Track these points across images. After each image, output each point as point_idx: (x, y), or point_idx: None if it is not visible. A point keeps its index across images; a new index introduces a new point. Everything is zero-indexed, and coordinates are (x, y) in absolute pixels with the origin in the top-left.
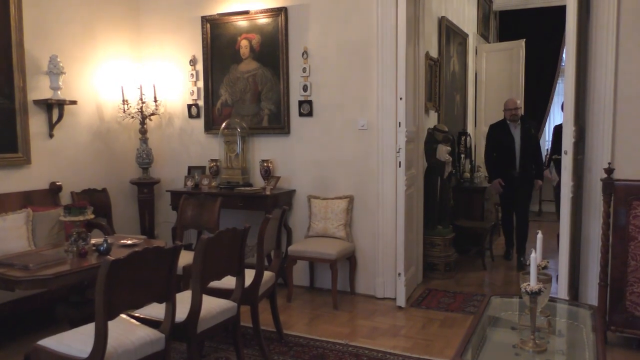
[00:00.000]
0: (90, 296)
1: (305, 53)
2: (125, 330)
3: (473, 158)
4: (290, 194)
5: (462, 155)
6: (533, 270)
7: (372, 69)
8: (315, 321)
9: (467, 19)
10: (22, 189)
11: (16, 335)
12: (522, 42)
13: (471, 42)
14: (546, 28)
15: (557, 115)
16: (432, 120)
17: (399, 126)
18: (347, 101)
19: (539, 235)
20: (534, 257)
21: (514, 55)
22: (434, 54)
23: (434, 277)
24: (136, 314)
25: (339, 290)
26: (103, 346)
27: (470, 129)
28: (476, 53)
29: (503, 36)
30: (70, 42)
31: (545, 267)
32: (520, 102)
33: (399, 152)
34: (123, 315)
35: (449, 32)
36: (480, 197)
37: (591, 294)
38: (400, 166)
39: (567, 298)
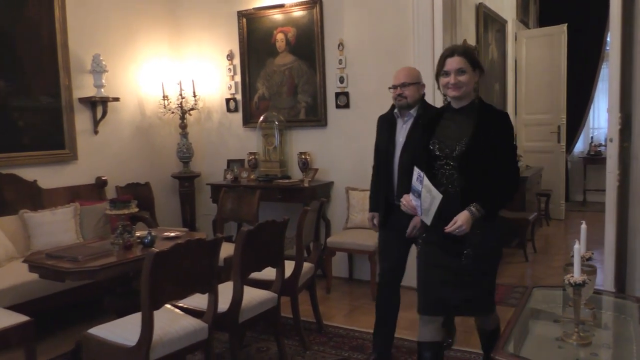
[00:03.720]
0: (135, 287)
1: (340, 45)
2: (170, 319)
3: None
4: (329, 185)
5: None
6: (577, 261)
7: (408, 59)
8: (354, 312)
9: (505, 4)
10: (69, 183)
11: (67, 324)
12: (564, 27)
13: (510, 28)
14: (589, 12)
15: (602, 102)
16: None
17: None
18: (384, 92)
19: (583, 226)
20: (578, 249)
21: (555, 41)
22: (472, 41)
23: None
24: (180, 304)
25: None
26: (149, 335)
27: (510, 117)
28: (516, 39)
29: (544, 21)
30: (112, 41)
31: (589, 259)
32: (418, 74)
33: None
34: (167, 306)
35: (486, 18)
36: (521, 187)
37: (639, 286)
38: None
39: (613, 290)
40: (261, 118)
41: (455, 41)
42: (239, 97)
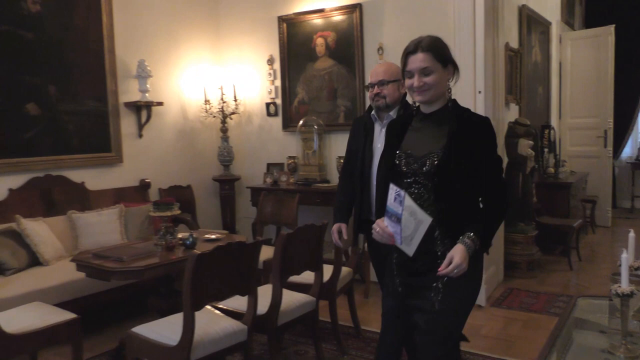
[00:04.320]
0: (177, 288)
1: (380, 49)
2: (211, 320)
3: (558, 152)
4: None
5: (546, 150)
6: (624, 271)
7: None
8: None
9: (549, 6)
10: (115, 185)
11: (111, 322)
12: (611, 28)
13: (554, 30)
14: (638, 12)
15: None
16: (512, 113)
17: None
18: None
19: (631, 234)
20: (626, 258)
21: (602, 43)
22: (514, 44)
23: (515, 276)
24: (220, 306)
25: None
26: (191, 335)
27: (554, 121)
28: (560, 41)
29: (590, 22)
30: (156, 47)
31: (638, 268)
32: (398, 71)
33: None
34: (208, 307)
35: (530, 21)
36: (565, 193)
37: None
38: None
39: None
40: (300, 122)
41: (497, 45)
42: (279, 101)
